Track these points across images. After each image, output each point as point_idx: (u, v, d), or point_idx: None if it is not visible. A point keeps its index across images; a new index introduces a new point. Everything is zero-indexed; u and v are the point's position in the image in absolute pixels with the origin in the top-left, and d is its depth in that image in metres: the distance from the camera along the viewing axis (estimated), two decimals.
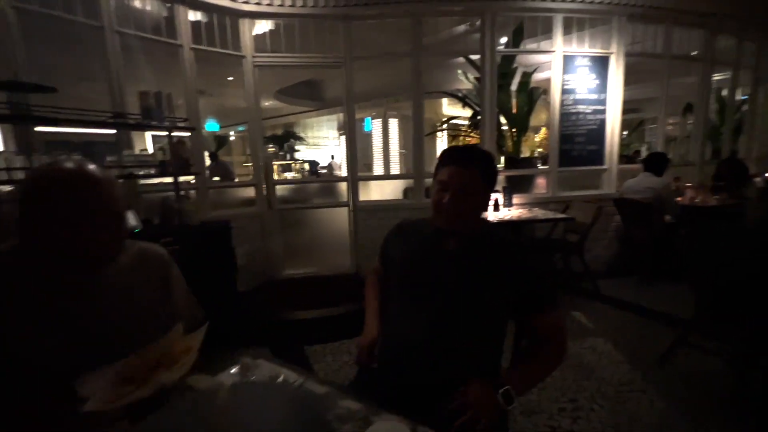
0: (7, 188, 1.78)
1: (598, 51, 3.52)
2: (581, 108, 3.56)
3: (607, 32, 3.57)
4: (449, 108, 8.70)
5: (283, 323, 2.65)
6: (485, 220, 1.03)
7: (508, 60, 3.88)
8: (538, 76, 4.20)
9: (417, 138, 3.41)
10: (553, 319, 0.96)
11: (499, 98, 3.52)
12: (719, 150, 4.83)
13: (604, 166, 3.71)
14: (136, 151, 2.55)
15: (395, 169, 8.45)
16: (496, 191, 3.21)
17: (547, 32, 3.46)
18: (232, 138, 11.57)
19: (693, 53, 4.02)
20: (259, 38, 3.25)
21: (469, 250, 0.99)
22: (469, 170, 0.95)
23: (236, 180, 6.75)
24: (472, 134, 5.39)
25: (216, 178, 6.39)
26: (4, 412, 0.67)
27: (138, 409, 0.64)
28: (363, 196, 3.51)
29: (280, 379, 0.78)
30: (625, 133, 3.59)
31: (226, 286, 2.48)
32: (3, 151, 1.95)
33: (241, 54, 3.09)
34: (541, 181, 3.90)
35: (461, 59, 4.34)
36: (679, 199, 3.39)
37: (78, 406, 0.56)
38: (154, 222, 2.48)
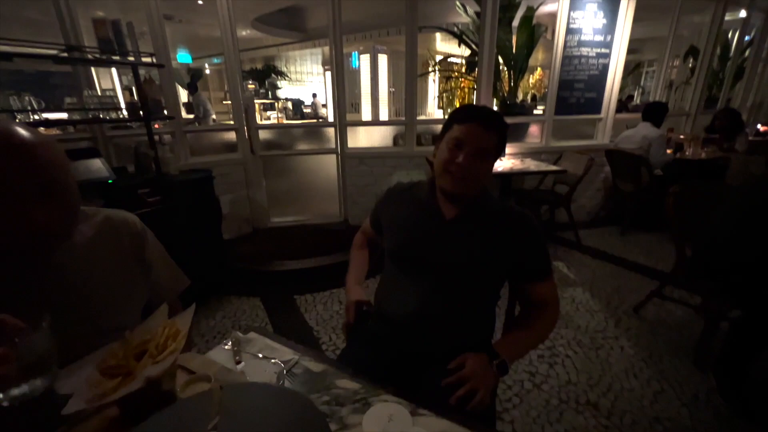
0: None
1: None
2: (585, 51, 3.34)
3: None
4: (443, 44, 8.11)
5: (272, 273, 2.66)
6: (484, 187, 0.97)
7: None
8: (541, 10, 3.86)
9: (410, 79, 3.17)
10: (548, 287, 0.96)
11: (498, 35, 3.24)
12: (716, 99, 4.73)
13: (600, 116, 3.60)
14: (100, 87, 2.30)
15: (384, 109, 8.08)
16: None
17: None
18: (207, 72, 10.66)
19: None
20: None
21: (468, 219, 0.94)
22: (489, 133, 0.88)
23: (214, 117, 6.36)
24: (467, 77, 5.08)
25: (190, 116, 6.00)
26: None
27: (132, 407, 0.60)
28: (351, 140, 3.35)
29: (273, 361, 0.76)
30: (621, 74, 3.43)
31: (210, 235, 2.42)
32: None
33: None
34: (534, 129, 3.79)
35: None
36: (669, 151, 3.37)
37: (57, 408, 0.52)
38: (129, 171, 2.32)
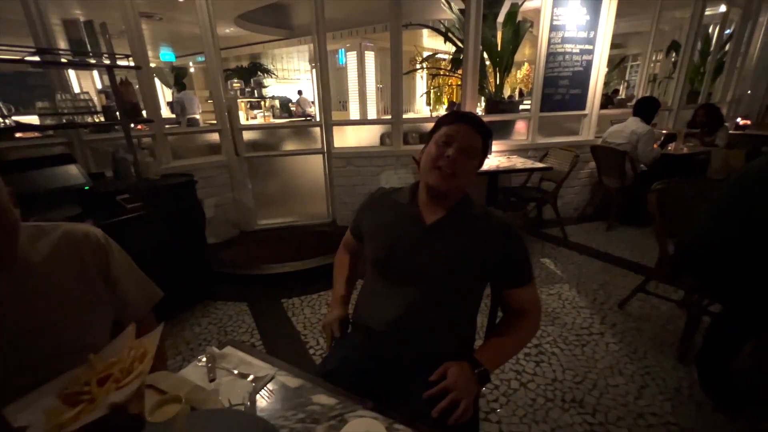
0: None
1: None
2: (569, 48, 3.35)
3: None
4: (429, 40, 8.08)
5: (259, 277, 2.63)
6: (466, 193, 0.97)
7: None
8: (526, 6, 3.86)
9: (395, 77, 3.15)
10: (529, 294, 0.96)
11: (483, 32, 3.24)
12: (697, 92, 4.81)
13: (585, 112, 3.62)
14: (81, 90, 2.23)
15: (372, 107, 8.03)
16: None
17: None
18: (192, 70, 10.47)
19: None
20: None
21: (449, 224, 0.94)
22: (476, 134, 0.93)
23: (196, 116, 6.26)
24: (453, 74, 5.06)
25: (172, 116, 5.91)
26: None
27: None
28: (338, 140, 3.32)
29: (249, 378, 0.74)
30: (606, 70, 3.48)
31: (194, 240, 2.37)
32: None
33: None
34: (520, 126, 3.80)
35: None
36: (655, 146, 3.42)
37: None
38: (107, 176, 2.26)
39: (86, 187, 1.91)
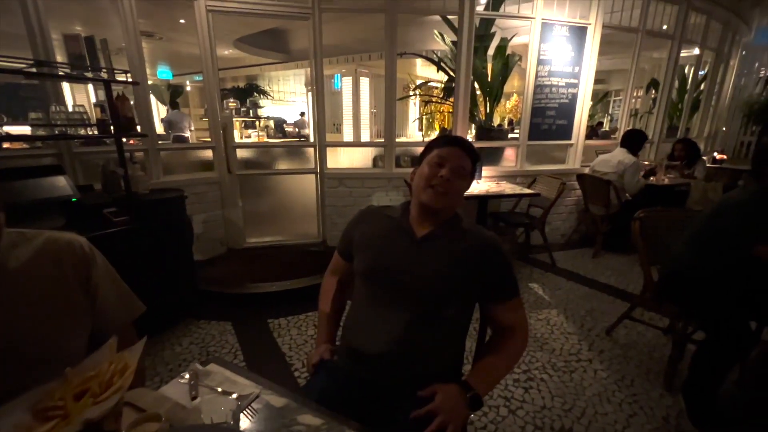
0: None
1: (576, 21, 3.43)
2: (555, 81, 3.52)
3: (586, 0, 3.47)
4: (423, 68, 8.37)
5: (244, 296, 2.57)
6: (455, 211, 1.00)
7: (487, 23, 3.69)
8: (515, 41, 4.07)
9: (389, 103, 3.24)
10: (515, 310, 0.98)
11: (474, 63, 3.38)
12: (676, 127, 5.04)
13: (571, 142, 3.76)
14: (75, 103, 2.23)
15: (365, 130, 8.18)
16: None
17: None
18: (188, 88, 10.58)
19: (663, 27, 4.03)
20: None
21: (438, 237, 0.96)
22: (466, 156, 0.97)
23: (186, 135, 6.28)
24: (445, 102, 5.23)
25: (162, 132, 5.93)
26: None
27: None
28: (331, 160, 3.36)
29: (232, 396, 0.72)
30: (591, 103, 3.66)
31: (180, 256, 2.33)
32: None
33: None
34: (509, 153, 3.91)
35: (438, 17, 4.09)
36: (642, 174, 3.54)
37: None
38: (96, 189, 2.24)
39: (73, 199, 1.88)
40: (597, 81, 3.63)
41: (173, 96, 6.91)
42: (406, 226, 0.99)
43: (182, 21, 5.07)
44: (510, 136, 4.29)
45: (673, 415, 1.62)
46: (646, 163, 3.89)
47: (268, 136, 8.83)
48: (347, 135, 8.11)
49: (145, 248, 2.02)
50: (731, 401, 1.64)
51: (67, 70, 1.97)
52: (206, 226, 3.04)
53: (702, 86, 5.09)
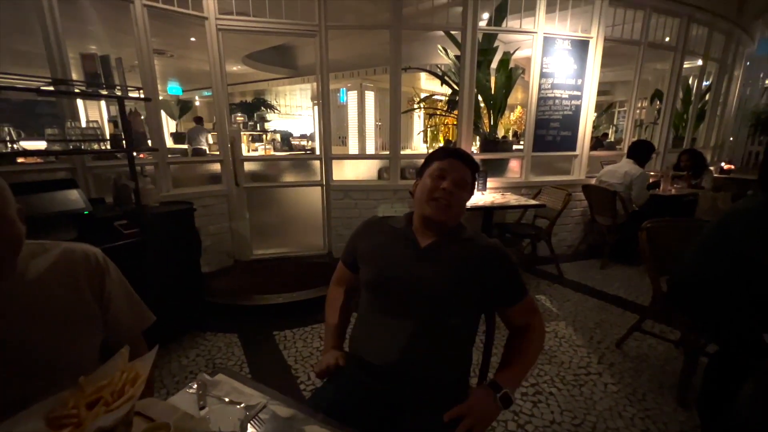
0: None
1: (578, 34, 3.48)
2: (558, 93, 3.55)
3: (588, 14, 3.52)
4: (428, 82, 8.49)
5: (250, 308, 2.58)
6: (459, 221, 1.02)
7: (490, 37, 3.76)
8: (518, 54, 4.13)
9: (394, 116, 3.29)
10: (527, 308, 0.99)
11: (477, 76, 3.44)
12: (682, 138, 5.03)
13: (576, 153, 3.77)
14: (87, 119, 2.30)
15: (371, 142, 8.27)
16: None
17: (530, 9, 3.36)
18: (197, 103, 10.83)
19: (666, 39, 4.07)
20: None
21: (442, 247, 0.97)
22: (466, 168, 0.98)
23: (205, 148, 6.43)
24: (449, 114, 5.29)
25: (177, 146, 6.10)
26: None
27: None
28: (336, 173, 3.40)
29: (239, 406, 0.72)
30: (594, 114, 3.67)
31: (188, 268, 2.35)
32: None
33: (203, 15, 2.79)
34: (514, 164, 3.92)
35: (442, 32, 4.18)
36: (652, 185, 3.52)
37: None
38: (107, 202, 2.28)
39: (86, 212, 1.92)
40: (601, 92, 3.65)
41: (182, 111, 7.09)
42: (410, 237, 1.00)
43: (193, 39, 5.23)
44: (515, 147, 4.32)
45: (688, 431, 1.58)
46: (652, 173, 3.88)
47: (275, 149, 8.96)
48: (353, 147, 8.21)
49: (153, 260, 2.05)
50: (747, 416, 1.60)
51: (83, 88, 2.03)
52: (214, 239, 3.07)
53: (707, 96, 5.09)
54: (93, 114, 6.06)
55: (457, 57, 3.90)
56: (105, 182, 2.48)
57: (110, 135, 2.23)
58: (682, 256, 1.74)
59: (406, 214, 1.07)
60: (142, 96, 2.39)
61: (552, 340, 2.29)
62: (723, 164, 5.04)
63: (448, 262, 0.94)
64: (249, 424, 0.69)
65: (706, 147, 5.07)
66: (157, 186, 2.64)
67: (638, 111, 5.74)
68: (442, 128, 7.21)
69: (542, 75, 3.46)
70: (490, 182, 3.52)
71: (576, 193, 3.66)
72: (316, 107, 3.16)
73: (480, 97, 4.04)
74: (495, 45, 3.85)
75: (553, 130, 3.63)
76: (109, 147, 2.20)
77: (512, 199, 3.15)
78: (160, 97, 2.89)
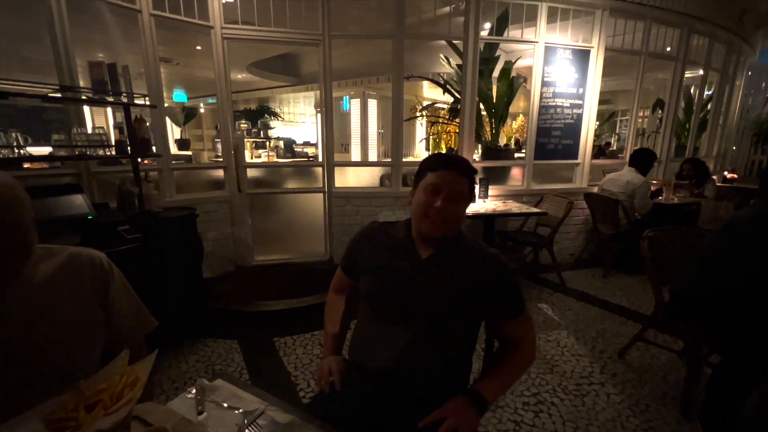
0: None
1: (579, 44, 3.51)
2: (559, 102, 3.57)
3: (588, 24, 3.56)
4: (430, 90, 8.55)
5: (251, 314, 2.58)
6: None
7: (491, 47, 3.80)
8: (520, 63, 4.16)
9: (396, 124, 3.31)
10: (523, 325, 0.98)
11: (479, 85, 3.47)
12: (684, 147, 5.03)
13: (578, 161, 3.77)
14: (93, 126, 2.33)
15: (373, 150, 8.31)
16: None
17: (531, 19, 3.39)
18: (202, 110, 10.94)
19: (667, 49, 4.10)
20: (229, 8, 3.00)
21: (443, 258, 0.96)
22: (462, 178, 0.94)
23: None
24: (451, 123, 5.32)
25: (181, 153, 6.15)
26: None
27: None
28: (339, 179, 3.42)
29: (237, 411, 0.72)
30: (596, 123, 3.68)
31: (190, 273, 2.36)
32: None
33: (209, 25, 2.84)
34: (516, 172, 3.93)
35: (444, 42, 4.22)
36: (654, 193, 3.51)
37: None
38: (111, 207, 2.30)
39: (90, 217, 1.94)
40: (602, 101, 3.67)
41: (187, 118, 7.15)
42: (410, 247, 0.99)
43: (199, 48, 5.31)
44: (516, 155, 4.33)
45: None
46: (654, 182, 3.88)
47: (278, 156, 9.01)
48: (355, 155, 8.24)
49: (156, 265, 2.06)
50: (753, 426, 1.57)
51: (90, 95, 2.07)
52: (216, 244, 3.09)
53: (708, 106, 5.10)
54: (99, 120, 6.14)
55: (459, 66, 3.93)
56: (109, 188, 2.50)
57: (115, 141, 2.25)
58: (685, 265, 1.73)
59: (405, 221, 1.05)
60: (148, 103, 2.43)
61: (554, 349, 2.27)
62: (726, 173, 5.03)
63: (448, 275, 0.94)
64: (247, 430, 0.69)
65: (709, 156, 5.06)
66: (160, 192, 2.67)
67: (640, 120, 5.76)
68: (445, 136, 7.24)
69: (544, 84, 3.48)
70: (492, 190, 3.53)
71: (578, 201, 3.65)
72: (319, 115, 3.20)
73: (482, 106, 4.07)
74: (497, 54, 3.89)
75: (554, 139, 3.65)
76: (114, 153, 2.23)
77: (514, 207, 3.15)
78: (166, 105, 2.92)
